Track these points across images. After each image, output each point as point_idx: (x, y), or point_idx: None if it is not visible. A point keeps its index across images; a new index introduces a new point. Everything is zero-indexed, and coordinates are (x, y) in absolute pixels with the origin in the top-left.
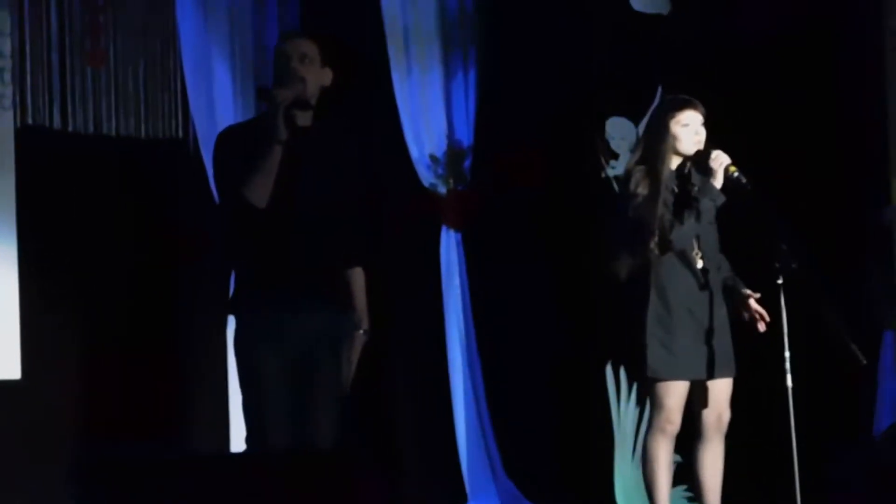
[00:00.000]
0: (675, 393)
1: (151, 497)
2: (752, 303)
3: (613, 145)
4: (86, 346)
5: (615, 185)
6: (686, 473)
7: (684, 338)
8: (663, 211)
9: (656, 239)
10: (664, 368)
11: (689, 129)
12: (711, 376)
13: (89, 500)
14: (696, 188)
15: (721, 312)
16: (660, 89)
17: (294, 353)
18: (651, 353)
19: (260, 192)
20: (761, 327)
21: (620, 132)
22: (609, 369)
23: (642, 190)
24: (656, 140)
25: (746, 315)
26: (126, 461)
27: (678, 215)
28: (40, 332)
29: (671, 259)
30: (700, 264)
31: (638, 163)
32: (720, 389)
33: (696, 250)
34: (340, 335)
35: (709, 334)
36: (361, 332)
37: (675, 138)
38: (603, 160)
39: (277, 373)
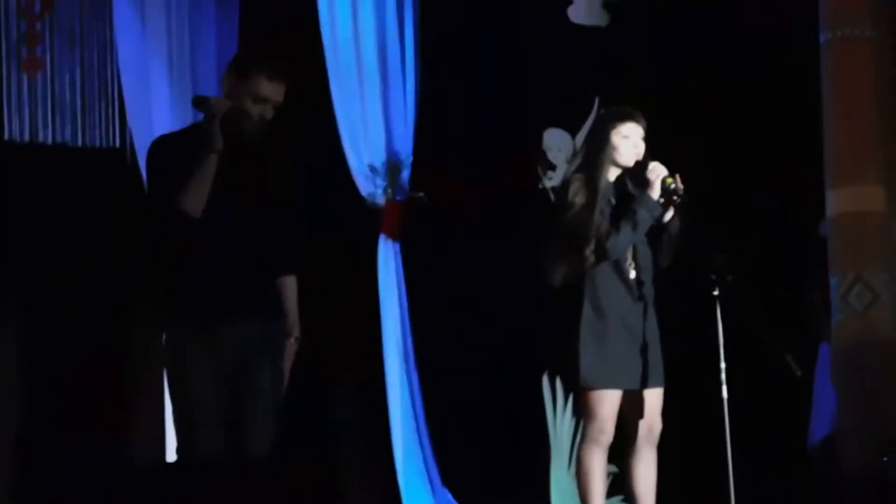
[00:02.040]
0: (607, 402)
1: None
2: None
3: (551, 156)
4: (22, 354)
5: (552, 196)
6: (622, 484)
7: (617, 347)
8: (600, 220)
9: (592, 246)
10: (597, 377)
11: (628, 141)
12: (643, 386)
13: None
14: (634, 199)
15: (652, 323)
16: (597, 101)
17: (225, 362)
18: (584, 362)
19: (195, 200)
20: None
21: (558, 143)
22: (545, 379)
23: (580, 199)
24: (596, 149)
25: (667, 184)
26: (64, 468)
27: (615, 225)
28: None
29: (605, 269)
30: (633, 275)
31: (576, 171)
32: (651, 400)
33: (629, 261)
34: (272, 343)
35: (640, 344)
36: (293, 339)
37: (614, 149)
38: (540, 171)
39: (209, 381)
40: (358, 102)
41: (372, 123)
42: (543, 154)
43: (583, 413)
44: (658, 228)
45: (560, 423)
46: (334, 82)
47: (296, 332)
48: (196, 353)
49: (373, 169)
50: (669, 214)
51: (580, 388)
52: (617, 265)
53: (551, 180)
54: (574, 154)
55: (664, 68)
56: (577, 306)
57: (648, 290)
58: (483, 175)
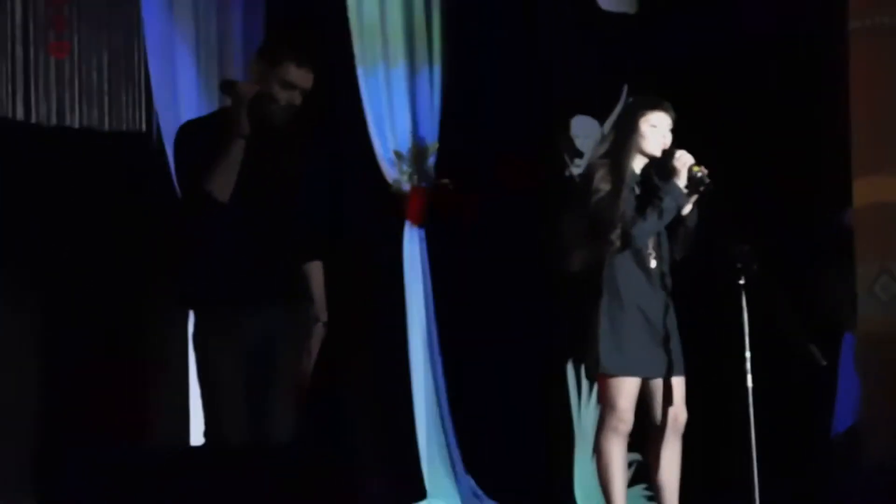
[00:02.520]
0: (626, 391)
1: (110, 490)
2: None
3: (578, 143)
4: (45, 339)
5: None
6: (645, 472)
7: (636, 336)
8: (625, 207)
9: (618, 231)
10: (615, 365)
11: (656, 131)
12: (662, 375)
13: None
14: (659, 188)
15: (671, 311)
16: (625, 88)
17: (253, 347)
18: (603, 350)
19: (222, 185)
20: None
21: (585, 131)
22: (570, 367)
23: (605, 185)
24: (624, 136)
25: (693, 172)
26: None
27: (641, 213)
28: None
29: (625, 256)
30: (654, 264)
31: (602, 157)
32: (674, 389)
33: (650, 250)
34: (299, 328)
35: (659, 333)
36: (320, 324)
37: (642, 137)
38: (567, 158)
39: (236, 367)
40: (384, 88)
41: (398, 109)
42: (571, 141)
43: (601, 402)
44: (675, 221)
45: (584, 411)
46: (360, 68)
47: (323, 316)
48: (223, 337)
49: (398, 155)
50: (688, 208)
51: (598, 375)
52: (637, 253)
53: (578, 168)
54: (600, 140)
55: (691, 55)
56: (596, 294)
57: (668, 280)
58: (509, 161)
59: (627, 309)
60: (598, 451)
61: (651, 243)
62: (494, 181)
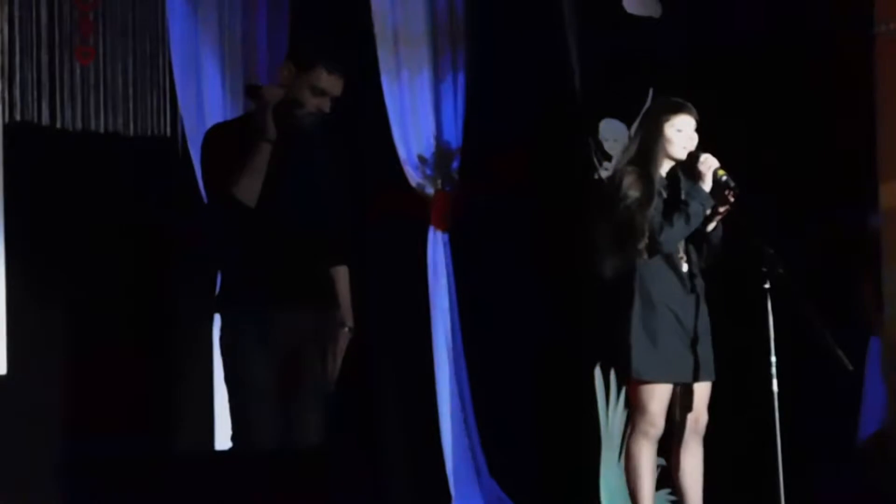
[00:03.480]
0: (658, 395)
1: (136, 494)
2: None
3: (607, 147)
4: (72, 343)
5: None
6: (669, 477)
7: (668, 340)
8: (653, 214)
9: (646, 241)
10: (648, 370)
11: (682, 135)
12: (693, 379)
13: (74, 497)
14: (685, 192)
15: (704, 316)
16: (651, 92)
17: (279, 352)
18: (635, 355)
19: (249, 190)
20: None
21: (614, 134)
22: (598, 371)
23: (634, 192)
24: (649, 142)
25: (719, 176)
26: (111, 458)
27: (668, 218)
28: (27, 328)
29: (657, 261)
30: (685, 268)
31: (629, 164)
32: (700, 393)
33: (681, 254)
34: (325, 333)
35: (691, 338)
36: (346, 329)
37: (667, 141)
38: (596, 161)
39: (263, 371)
40: (408, 93)
41: (422, 113)
42: (599, 144)
43: (632, 406)
44: (700, 236)
45: (612, 416)
46: (384, 72)
47: (349, 321)
48: (251, 342)
49: (422, 159)
50: (712, 225)
51: (630, 380)
52: (669, 258)
53: (607, 171)
54: (626, 146)
55: (717, 59)
56: (628, 299)
57: (699, 283)
58: (534, 165)
59: (660, 313)
60: (627, 454)
61: (681, 247)
62: (519, 185)
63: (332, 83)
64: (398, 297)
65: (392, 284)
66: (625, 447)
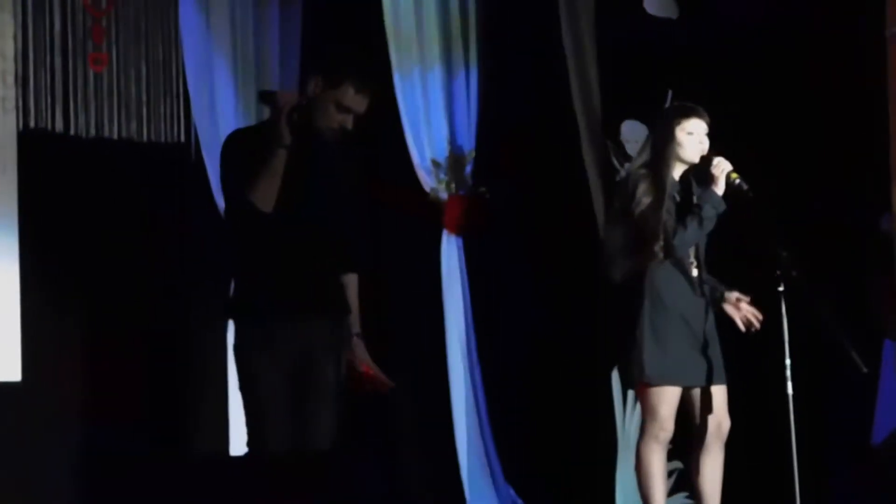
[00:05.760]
0: (668, 399)
1: (151, 498)
2: (745, 305)
3: (628, 148)
4: (86, 350)
5: None
6: (687, 480)
7: (678, 344)
8: (667, 217)
9: (660, 243)
10: (658, 374)
11: (693, 138)
12: (703, 383)
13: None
14: (698, 195)
15: (712, 320)
16: (670, 93)
17: (293, 358)
18: (645, 358)
19: (265, 195)
20: (756, 326)
21: (635, 135)
22: (615, 375)
23: (647, 197)
24: (661, 146)
25: (739, 320)
26: (125, 462)
27: (681, 222)
28: (41, 334)
29: (666, 265)
30: (695, 272)
31: (641, 168)
32: (716, 397)
33: (691, 258)
34: (338, 339)
35: (701, 341)
36: (354, 336)
37: (679, 145)
38: (617, 163)
39: (276, 377)
40: (421, 96)
41: (435, 118)
42: (621, 146)
43: (643, 410)
44: (709, 237)
45: (629, 420)
46: (397, 75)
47: (356, 328)
48: (266, 348)
49: (436, 164)
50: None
51: (639, 384)
52: (679, 262)
53: None
54: (639, 151)
55: (730, 61)
56: (638, 302)
57: (708, 286)
58: (547, 169)
59: (670, 317)
60: (638, 459)
61: (692, 251)
62: (533, 187)
63: (358, 101)
64: (412, 302)
65: (406, 289)
66: (636, 451)
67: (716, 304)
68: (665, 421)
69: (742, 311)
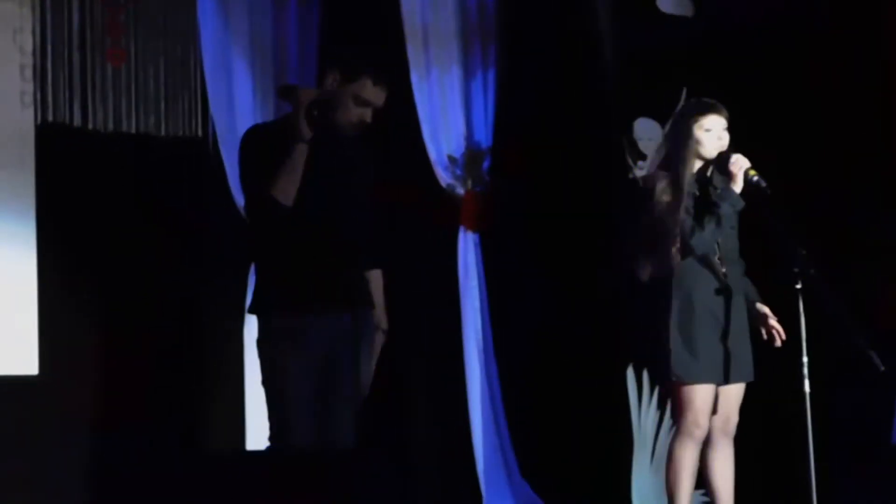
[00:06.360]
0: (702, 396)
1: (167, 494)
2: (771, 321)
3: (641, 146)
4: (103, 344)
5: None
6: (700, 478)
7: (707, 341)
8: (685, 216)
9: (678, 245)
10: (688, 372)
11: (711, 134)
12: (732, 380)
13: (105, 496)
14: (716, 193)
15: (742, 317)
16: (684, 91)
17: (315, 353)
18: (675, 357)
19: (286, 190)
20: (777, 343)
21: (648, 133)
22: (630, 372)
23: (665, 196)
24: (679, 144)
25: (764, 331)
26: (142, 458)
27: (699, 220)
28: (59, 328)
29: (694, 263)
30: (723, 269)
31: (660, 167)
32: (734, 393)
33: (717, 255)
34: (360, 335)
35: (730, 338)
36: (381, 331)
37: (698, 143)
38: (630, 161)
39: (299, 372)
40: (438, 93)
41: (452, 114)
42: (634, 143)
43: (675, 407)
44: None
45: (645, 417)
46: (414, 72)
47: (383, 324)
48: (290, 344)
49: (452, 160)
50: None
51: (670, 382)
52: (706, 259)
53: (641, 170)
54: (657, 148)
55: (746, 59)
56: (666, 301)
57: (736, 283)
58: (564, 165)
59: (698, 315)
60: (670, 456)
61: (717, 248)
62: (550, 184)
63: (376, 94)
64: (429, 298)
65: (423, 285)
66: (668, 448)
67: (750, 316)
68: (700, 417)
69: (767, 325)
